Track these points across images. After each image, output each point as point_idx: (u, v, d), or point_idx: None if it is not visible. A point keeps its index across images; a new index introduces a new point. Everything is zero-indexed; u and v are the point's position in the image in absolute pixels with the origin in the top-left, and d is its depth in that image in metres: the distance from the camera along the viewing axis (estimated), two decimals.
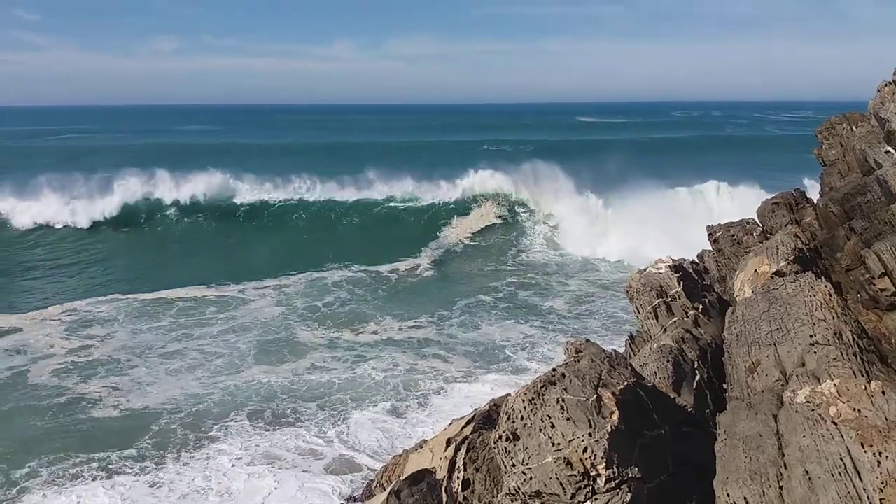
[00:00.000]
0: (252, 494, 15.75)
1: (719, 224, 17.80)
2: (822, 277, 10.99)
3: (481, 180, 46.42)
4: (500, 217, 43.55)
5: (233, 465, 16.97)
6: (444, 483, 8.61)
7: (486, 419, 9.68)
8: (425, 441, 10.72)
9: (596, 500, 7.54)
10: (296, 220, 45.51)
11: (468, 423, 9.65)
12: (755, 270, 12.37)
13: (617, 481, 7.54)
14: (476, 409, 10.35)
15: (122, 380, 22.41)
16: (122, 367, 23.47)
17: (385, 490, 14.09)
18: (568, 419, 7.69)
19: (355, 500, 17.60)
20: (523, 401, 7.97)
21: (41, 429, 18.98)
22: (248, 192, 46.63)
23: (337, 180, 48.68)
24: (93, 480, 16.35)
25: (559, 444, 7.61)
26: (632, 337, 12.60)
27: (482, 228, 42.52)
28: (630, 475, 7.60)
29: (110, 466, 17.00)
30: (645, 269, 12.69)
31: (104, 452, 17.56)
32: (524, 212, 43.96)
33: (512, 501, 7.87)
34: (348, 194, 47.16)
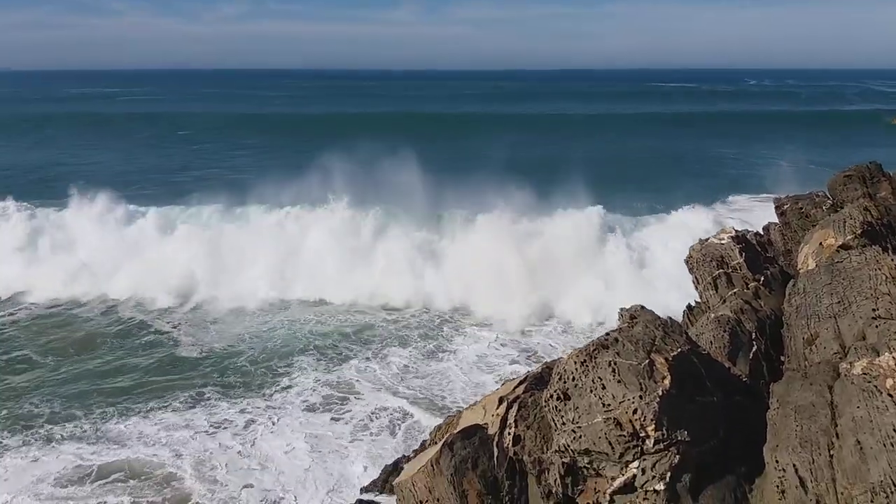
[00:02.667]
0: (323, 424, 17.14)
1: (787, 196, 17.36)
2: (892, 252, 10.72)
3: None
4: None
5: (304, 400, 18.45)
6: (496, 438, 8.90)
7: (539, 380, 9.88)
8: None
9: (644, 460, 7.70)
10: None
11: (521, 383, 9.88)
12: (820, 243, 12.10)
13: (666, 443, 7.68)
14: (529, 371, 10.58)
15: (193, 316, 24.51)
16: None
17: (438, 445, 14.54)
18: (619, 381, 7.83)
19: (408, 459, 18.35)
20: (575, 362, 8.15)
21: (136, 364, 20.80)
22: None
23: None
24: (184, 409, 18.03)
25: (609, 405, 7.77)
26: (690, 307, 12.53)
27: None
28: (679, 438, 7.73)
29: (199, 398, 18.65)
30: (706, 240, 12.57)
31: (191, 384, 19.43)
32: None
33: (561, 458, 8.11)
34: None
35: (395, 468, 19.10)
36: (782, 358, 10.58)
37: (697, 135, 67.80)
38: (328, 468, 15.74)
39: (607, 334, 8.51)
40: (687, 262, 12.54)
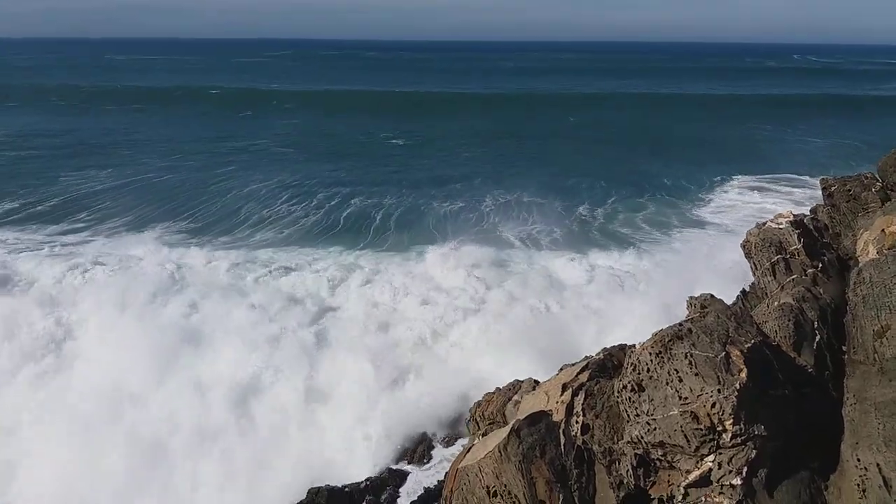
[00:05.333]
0: None
1: (835, 177, 17.06)
2: None
3: None
4: None
5: None
6: (562, 426, 8.86)
7: (601, 367, 9.82)
8: (537, 382, 10.97)
9: (720, 454, 7.64)
10: None
11: (583, 369, 9.81)
12: (882, 230, 11.89)
13: (743, 438, 7.61)
14: (589, 357, 10.49)
15: None
16: None
17: (479, 425, 14.59)
18: (696, 374, 7.75)
19: (446, 440, 18.70)
20: (650, 353, 8.05)
21: None
22: None
23: None
24: None
25: (686, 397, 7.70)
26: (744, 292, 12.39)
27: None
28: (756, 433, 7.65)
29: None
30: (764, 224, 12.37)
31: None
32: None
33: (634, 449, 8.06)
34: None
35: (422, 440, 19.43)
36: (843, 348, 10.45)
37: (726, 114, 65.28)
38: None
39: (680, 324, 8.39)
40: (744, 246, 12.36)
